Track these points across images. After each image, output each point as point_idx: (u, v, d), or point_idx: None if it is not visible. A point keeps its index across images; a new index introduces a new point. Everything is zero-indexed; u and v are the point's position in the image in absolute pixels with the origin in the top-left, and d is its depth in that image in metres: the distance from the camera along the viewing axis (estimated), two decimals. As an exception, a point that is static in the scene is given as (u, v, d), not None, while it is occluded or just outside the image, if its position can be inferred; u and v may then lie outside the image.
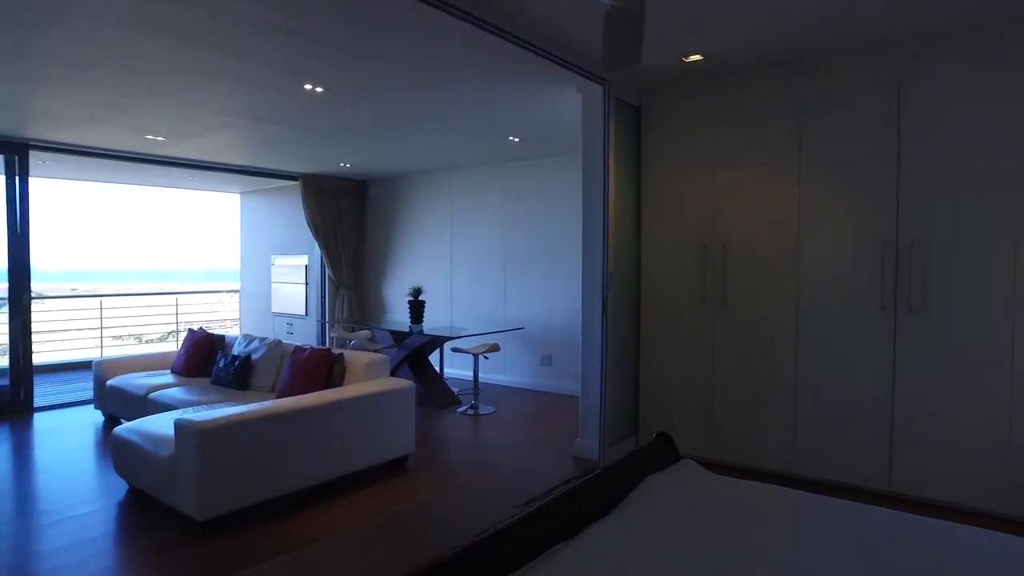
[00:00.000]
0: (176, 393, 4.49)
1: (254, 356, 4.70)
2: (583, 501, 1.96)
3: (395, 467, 4.10)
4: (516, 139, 5.82)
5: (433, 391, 6.14)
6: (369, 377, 4.11)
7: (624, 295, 4.25)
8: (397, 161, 7.10)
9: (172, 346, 9.34)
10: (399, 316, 7.91)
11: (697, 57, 3.71)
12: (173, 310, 9.84)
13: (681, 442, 4.25)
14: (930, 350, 3.44)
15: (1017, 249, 3.21)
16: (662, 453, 2.52)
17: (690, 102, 4.17)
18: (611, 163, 4.02)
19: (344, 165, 7.35)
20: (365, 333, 7.06)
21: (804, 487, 3.69)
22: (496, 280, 7.16)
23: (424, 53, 3.54)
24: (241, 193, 9.39)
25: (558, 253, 6.60)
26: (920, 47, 3.42)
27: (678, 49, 3.60)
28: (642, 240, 4.38)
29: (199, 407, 3.90)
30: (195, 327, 5.68)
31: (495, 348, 6.05)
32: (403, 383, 4.10)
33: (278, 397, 4.05)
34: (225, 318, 10.65)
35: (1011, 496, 3.26)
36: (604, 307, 4.01)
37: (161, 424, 3.51)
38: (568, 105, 4.48)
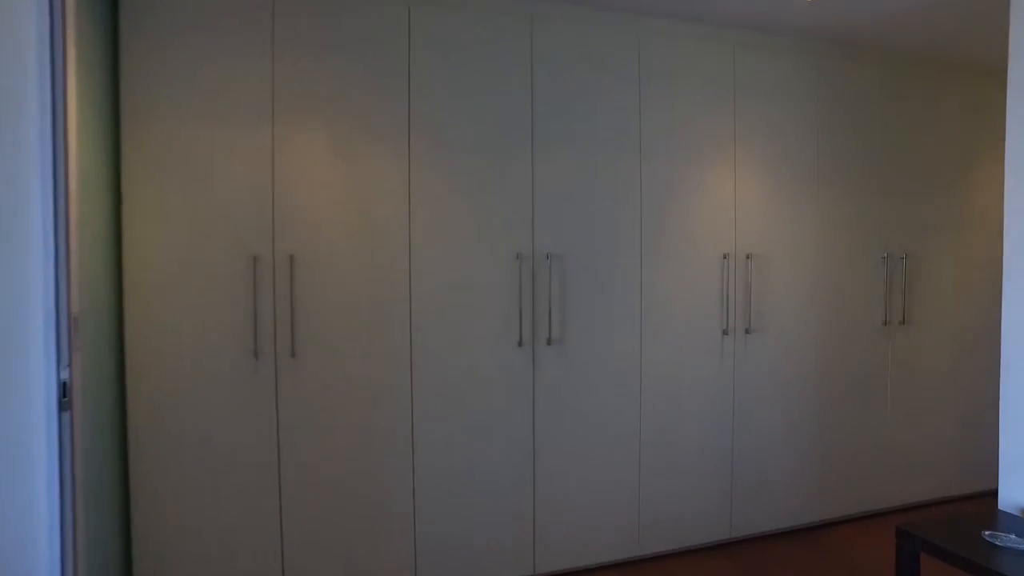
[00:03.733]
0: None
1: None
2: None
3: None
4: None
5: None
6: None
7: (90, 353, 2.09)
8: None
9: None
10: None
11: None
12: None
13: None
14: (568, 395, 2.78)
15: (643, 272, 2.86)
16: None
17: (237, 2, 2.36)
18: (70, 92, 1.83)
19: None
20: None
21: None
22: None
23: None
24: None
25: None
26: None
27: None
28: (125, 248, 2.28)
29: None
30: None
31: None
32: None
33: None
34: None
35: (645, 538, 2.91)
36: (63, 403, 1.78)
37: None
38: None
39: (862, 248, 3.29)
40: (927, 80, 3.43)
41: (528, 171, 2.67)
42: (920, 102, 3.42)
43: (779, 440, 3.14)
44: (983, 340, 3.69)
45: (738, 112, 3.00)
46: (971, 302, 3.61)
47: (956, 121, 3.53)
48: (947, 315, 3.56)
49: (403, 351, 2.53)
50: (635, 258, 2.83)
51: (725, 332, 2.98)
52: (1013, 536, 2.09)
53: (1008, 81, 2.13)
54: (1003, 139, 3.71)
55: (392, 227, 2.51)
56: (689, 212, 2.93)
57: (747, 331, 3.02)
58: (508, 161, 2.65)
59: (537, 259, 2.69)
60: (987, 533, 2.13)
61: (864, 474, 3.36)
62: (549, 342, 2.70)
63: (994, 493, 3.84)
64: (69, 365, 1.75)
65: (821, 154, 3.18)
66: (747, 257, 3.01)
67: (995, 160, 3.63)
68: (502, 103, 2.63)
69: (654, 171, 2.86)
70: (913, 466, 3.49)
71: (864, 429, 3.35)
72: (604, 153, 2.78)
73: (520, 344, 2.66)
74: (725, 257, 2.97)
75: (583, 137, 2.75)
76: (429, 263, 2.55)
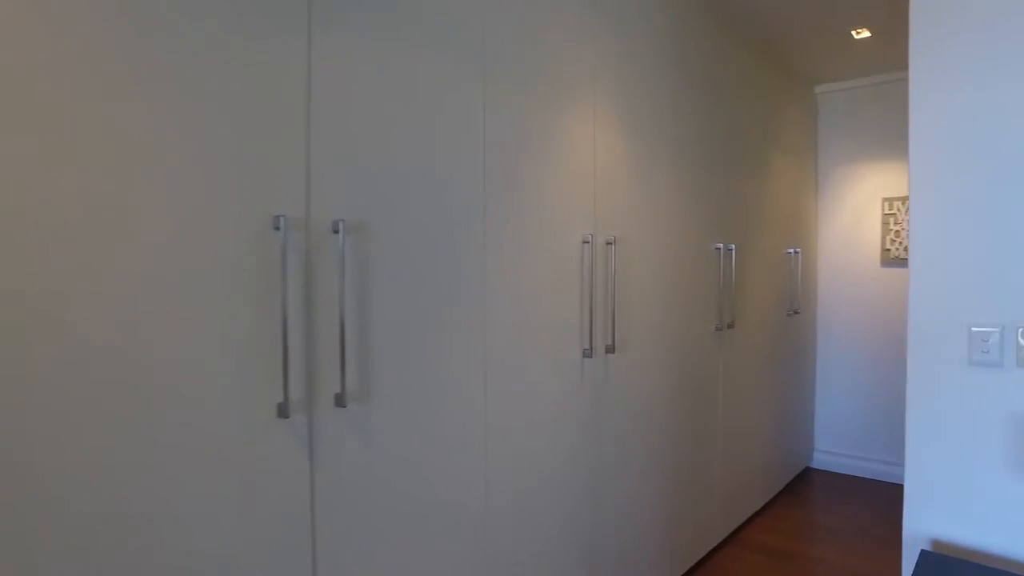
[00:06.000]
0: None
1: None
2: None
3: None
4: None
5: None
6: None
7: None
8: None
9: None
10: None
11: None
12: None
13: None
14: (375, 527, 1.48)
15: (487, 261, 1.71)
16: None
17: None
18: None
19: None
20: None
21: None
22: None
23: None
24: None
25: None
26: None
27: None
28: None
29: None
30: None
31: None
32: None
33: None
34: None
35: None
36: None
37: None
38: None
39: (702, 236, 2.70)
40: (753, 56, 3.03)
41: (302, 66, 1.31)
42: (755, 79, 3.00)
43: (640, 491, 2.33)
44: (791, 339, 3.51)
45: (596, 38, 2.08)
46: (775, 299, 3.35)
47: (763, 107, 3.22)
48: (759, 315, 3.24)
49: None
50: (476, 237, 1.68)
51: (587, 354, 2.02)
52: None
53: (910, 84, 1.60)
54: (789, 138, 3.63)
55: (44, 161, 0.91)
56: (546, 172, 1.89)
57: (608, 350, 2.12)
58: (260, 43, 1.25)
59: (316, 231, 1.35)
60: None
61: (705, 506, 2.78)
62: (341, 401, 1.37)
63: (801, 476, 3.72)
64: None
65: (673, 112, 2.47)
66: (608, 244, 2.11)
67: (782, 154, 3.45)
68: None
69: (502, 101, 1.75)
70: (738, 484, 3.06)
71: (702, 454, 2.77)
72: (431, 60, 1.57)
73: (283, 412, 1.29)
74: (586, 243, 2.03)
75: (400, 26, 1.49)
76: (86, 240, 1.00)
